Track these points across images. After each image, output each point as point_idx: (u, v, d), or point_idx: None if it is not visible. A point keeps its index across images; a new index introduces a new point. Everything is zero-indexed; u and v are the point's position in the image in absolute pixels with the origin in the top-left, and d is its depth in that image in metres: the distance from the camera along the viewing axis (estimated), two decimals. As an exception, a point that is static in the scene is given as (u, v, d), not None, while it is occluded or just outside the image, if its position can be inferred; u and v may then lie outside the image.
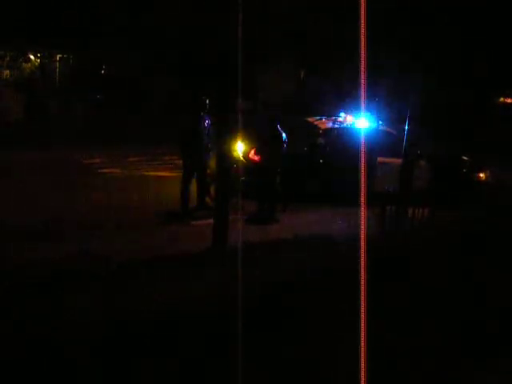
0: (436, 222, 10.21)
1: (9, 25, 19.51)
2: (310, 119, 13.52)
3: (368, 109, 12.30)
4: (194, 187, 10.77)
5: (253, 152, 11.72)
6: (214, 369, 4.73)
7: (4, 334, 5.02)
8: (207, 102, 10.60)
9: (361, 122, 12.62)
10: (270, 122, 10.89)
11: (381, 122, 12.43)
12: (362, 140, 12.20)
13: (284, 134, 10.78)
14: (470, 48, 9.60)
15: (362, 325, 3.59)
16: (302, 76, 24.96)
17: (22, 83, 22.32)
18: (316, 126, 13.03)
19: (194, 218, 10.27)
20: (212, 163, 10.06)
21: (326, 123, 12.99)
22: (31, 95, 21.79)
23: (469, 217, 10.59)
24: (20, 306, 5.64)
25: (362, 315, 3.59)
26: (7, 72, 22.68)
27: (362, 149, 13.38)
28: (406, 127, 10.36)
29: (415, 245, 8.29)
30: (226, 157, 8.07)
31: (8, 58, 21.92)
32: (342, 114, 12.99)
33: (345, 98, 13.68)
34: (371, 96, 11.90)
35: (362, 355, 3.55)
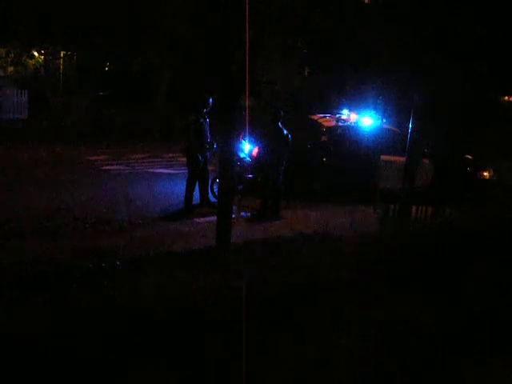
0: (438, 221, 10.20)
1: (13, 22, 19.50)
2: (314, 117, 13.50)
3: (372, 107, 12.28)
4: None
5: (256, 149, 11.71)
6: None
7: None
8: (210, 99, 10.59)
9: (365, 121, 12.60)
10: (273, 120, 10.87)
11: (385, 121, 12.40)
12: (366, 138, 12.28)
13: (286, 132, 10.77)
14: (475, 46, 9.56)
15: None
16: (306, 73, 24.91)
17: (25, 80, 22.32)
18: (320, 123, 13.00)
19: (197, 215, 10.29)
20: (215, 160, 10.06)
21: (330, 121, 12.96)
22: (35, 92, 21.80)
23: (471, 216, 10.57)
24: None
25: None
26: (11, 69, 22.67)
27: (366, 147, 13.34)
28: (410, 126, 10.34)
29: (415, 244, 8.26)
30: (229, 154, 8.05)
31: (12, 55, 21.91)
32: (346, 112, 12.96)
33: (349, 96, 13.65)
34: (375, 94, 11.89)
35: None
